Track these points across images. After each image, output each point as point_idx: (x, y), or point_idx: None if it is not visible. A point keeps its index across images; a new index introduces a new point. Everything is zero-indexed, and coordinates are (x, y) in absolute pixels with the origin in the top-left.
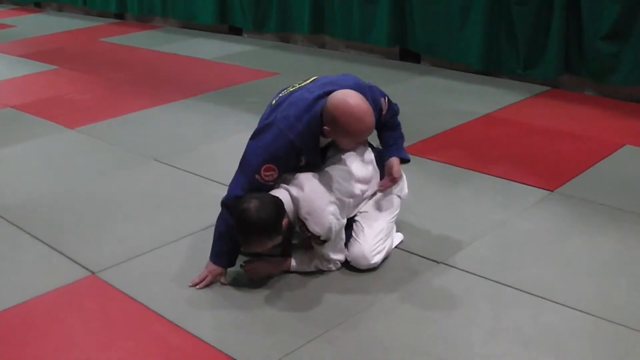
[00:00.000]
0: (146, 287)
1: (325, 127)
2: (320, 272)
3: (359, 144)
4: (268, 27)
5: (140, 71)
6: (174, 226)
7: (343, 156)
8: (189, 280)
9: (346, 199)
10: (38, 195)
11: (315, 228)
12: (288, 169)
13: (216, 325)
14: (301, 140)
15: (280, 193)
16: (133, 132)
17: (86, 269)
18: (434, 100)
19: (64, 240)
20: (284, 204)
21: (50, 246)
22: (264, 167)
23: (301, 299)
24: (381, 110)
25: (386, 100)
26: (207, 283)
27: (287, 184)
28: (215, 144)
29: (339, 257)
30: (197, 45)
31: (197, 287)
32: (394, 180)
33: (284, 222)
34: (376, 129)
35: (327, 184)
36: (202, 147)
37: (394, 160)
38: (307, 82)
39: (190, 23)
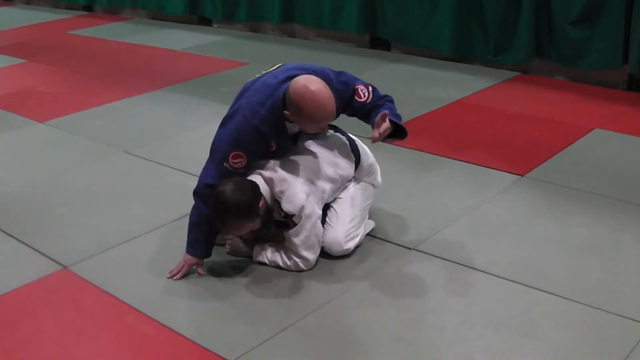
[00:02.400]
0: (119, 279)
1: (285, 112)
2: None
3: (321, 128)
4: (238, 17)
5: (110, 63)
6: (146, 218)
7: (317, 141)
8: (162, 272)
9: (322, 184)
10: (7, 190)
11: (287, 206)
12: (258, 156)
13: (189, 316)
14: (266, 125)
15: (255, 177)
16: (103, 125)
17: (57, 262)
18: (405, 87)
19: (34, 235)
20: (259, 186)
21: (20, 240)
22: (231, 155)
23: (274, 287)
24: (355, 95)
25: (369, 89)
26: (184, 274)
27: (262, 169)
28: (185, 134)
29: (310, 255)
30: (167, 36)
31: (174, 278)
32: (381, 132)
33: (261, 204)
34: (353, 114)
35: (303, 166)
36: (173, 138)
37: (383, 114)
38: (273, 68)
39: (160, 14)
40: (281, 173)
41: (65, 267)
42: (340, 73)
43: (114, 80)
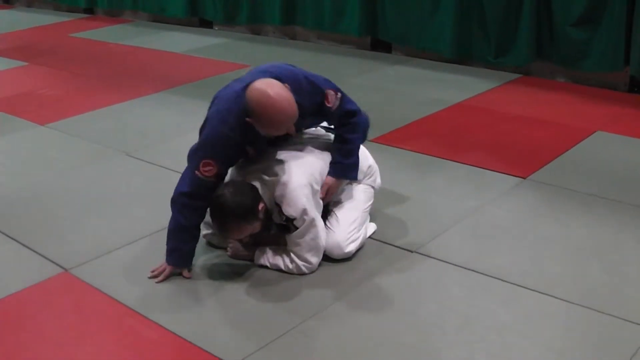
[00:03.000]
0: (120, 282)
1: (247, 119)
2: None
3: (287, 131)
4: (239, 19)
5: (111, 66)
6: (147, 220)
7: (313, 142)
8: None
9: (320, 186)
10: (9, 192)
11: (289, 210)
12: (233, 162)
13: (190, 319)
14: (236, 132)
15: (254, 181)
16: (104, 127)
17: (58, 265)
18: (406, 89)
19: (35, 238)
20: (258, 189)
21: (21, 243)
22: (202, 163)
23: (276, 290)
24: (325, 101)
25: (338, 95)
26: (165, 276)
27: (261, 172)
28: (186, 137)
29: (313, 258)
30: (168, 38)
31: (155, 280)
32: (323, 199)
33: (261, 207)
34: (328, 123)
35: (302, 168)
36: (174, 141)
37: (329, 180)
38: (245, 73)
39: (161, 16)
40: (281, 176)
41: (66, 269)
42: (312, 75)
43: (115, 82)
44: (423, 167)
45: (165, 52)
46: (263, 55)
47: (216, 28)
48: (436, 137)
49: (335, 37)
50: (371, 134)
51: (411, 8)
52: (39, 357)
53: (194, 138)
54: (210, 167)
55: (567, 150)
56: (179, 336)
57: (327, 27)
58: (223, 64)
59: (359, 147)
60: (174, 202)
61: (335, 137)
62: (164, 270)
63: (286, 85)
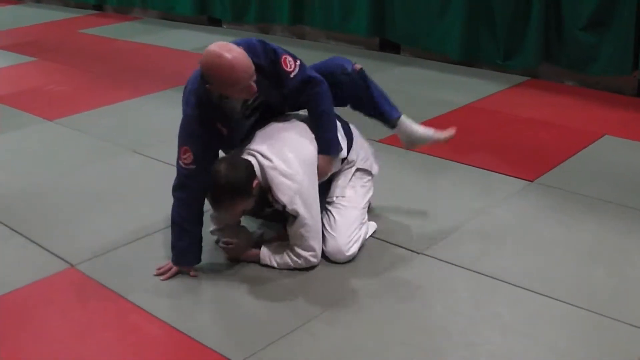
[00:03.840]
0: (125, 279)
1: (207, 86)
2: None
3: (249, 91)
4: (247, 18)
5: (119, 62)
6: (153, 217)
7: (303, 118)
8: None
9: (314, 165)
10: (17, 188)
11: (280, 197)
12: (209, 145)
13: (195, 317)
14: (198, 110)
15: (251, 158)
16: (112, 124)
17: (64, 261)
18: (414, 90)
19: (42, 233)
20: (254, 166)
21: (28, 238)
22: (180, 151)
23: (280, 290)
24: (283, 64)
25: (297, 62)
26: (171, 275)
27: (257, 152)
28: None
29: (317, 244)
30: (177, 36)
31: (160, 278)
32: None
33: (255, 183)
34: (289, 94)
35: (292, 147)
36: None
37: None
38: None
39: (170, 14)
40: (274, 160)
41: (72, 265)
42: (266, 43)
43: (123, 79)
44: (430, 169)
45: (174, 49)
46: None
47: (225, 26)
48: None
49: (343, 37)
50: (378, 134)
51: (420, 9)
52: (43, 351)
53: None
54: (188, 154)
55: (575, 154)
56: (183, 333)
57: (336, 27)
58: None
59: (332, 119)
60: (173, 191)
61: (308, 115)
62: (169, 268)
63: (240, 47)
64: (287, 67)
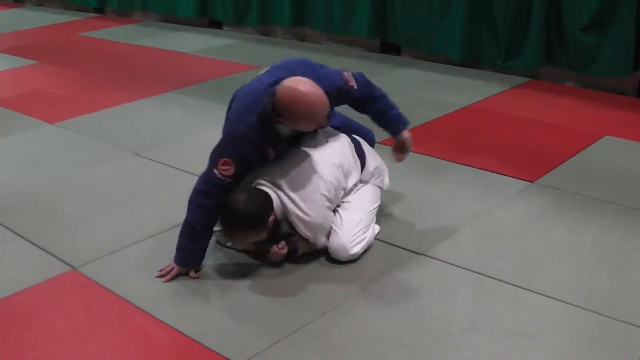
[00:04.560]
0: (127, 281)
1: (280, 119)
2: (301, 263)
3: (321, 124)
4: (248, 20)
5: (120, 65)
6: (155, 220)
7: (323, 145)
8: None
9: (336, 195)
10: (18, 190)
11: (307, 233)
12: (250, 164)
13: (197, 318)
14: (255, 132)
15: (271, 193)
16: (113, 126)
17: (67, 263)
18: (415, 92)
19: (44, 235)
20: (272, 201)
21: (30, 241)
22: (220, 162)
23: (282, 291)
24: (346, 83)
25: (350, 72)
26: (172, 276)
27: (278, 188)
28: (195, 137)
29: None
30: (178, 38)
31: (163, 280)
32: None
33: (271, 218)
34: (352, 105)
35: (318, 183)
36: (182, 141)
37: (406, 134)
38: (262, 72)
39: (171, 17)
40: (295, 198)
41: (74, 268)
42: (322, 66)
43: (124, 82)
44: (431, 170)
45: (175, 52)
46: (272, 57)
47: (225, 29)
48: (444, 140)
49: (344, 39)
50: (379, 136)
51: (421, 11)
52: (46, 354)
53: (203, 138)
54: (229, 167)
55: (575, 154)
56: (186, 335)
57: (337, 29)
58: (232, 65)
59: (389, 100)
60: (190, 201)
61: (370, 110)
62: (171, 269)
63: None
64: (351, 82)
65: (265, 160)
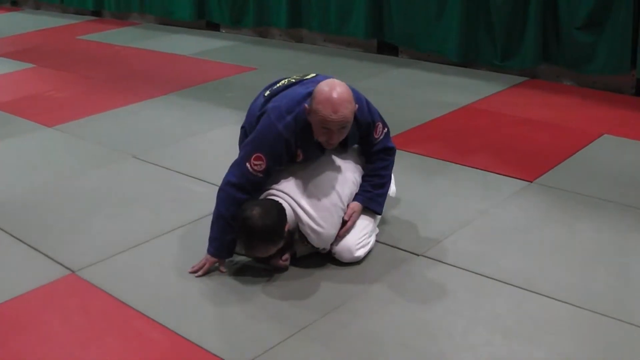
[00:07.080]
0: (126, 284)
1: (305, 106)
2: (301, 265)
3: (330, 144)
4: (245, 22)
5: (118, 68)
6: (154, 223)
7: (341, 154)
8: (170, 277)
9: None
10: (17, 194)
11: (319, 243)
12: (281, 163)
13: (196, 322)
14: (290, 132)
15: (283, 202)
16: (111, 130)
17: (66, 267)
18: (412, 92)
19: (43, 239)
20: (285, 210)
21: (29, 245)
22: (253, 156)
23: (283, 293)
24: (375, 131)
25: (385, 130)
26: (205, 271)
27: (289, 195)
28: (194, 140)
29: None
30: (175, 41)
31: (196, 275)
32: (345, 225)
33: (286, 227)
34: (365, 155)
35: (335, 197)
36: (181, 144)
37: (355, 206)
38: (307, 77)
39: (168, 19)
40: (315, 203)
41: (73, 271)
42: (370, 106)
43: (122, 85)
44: (429, 170)
45: (172, 54)
46: (270, 58)
47: (223, 31)
48: (442, 140)
49: (341, 40)
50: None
51: (417, 11)
52: (45, 358)
53: (201, 141)
54: (261, 162)
55: (574, 153)
56: (186, 339)
57: (334, 30)
58: (230, 67)
59: (388, 185)
60: (220, 190)
61: (368, 169)
62: (203, 265)
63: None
64: (377, 134)
65: (293, 161)
